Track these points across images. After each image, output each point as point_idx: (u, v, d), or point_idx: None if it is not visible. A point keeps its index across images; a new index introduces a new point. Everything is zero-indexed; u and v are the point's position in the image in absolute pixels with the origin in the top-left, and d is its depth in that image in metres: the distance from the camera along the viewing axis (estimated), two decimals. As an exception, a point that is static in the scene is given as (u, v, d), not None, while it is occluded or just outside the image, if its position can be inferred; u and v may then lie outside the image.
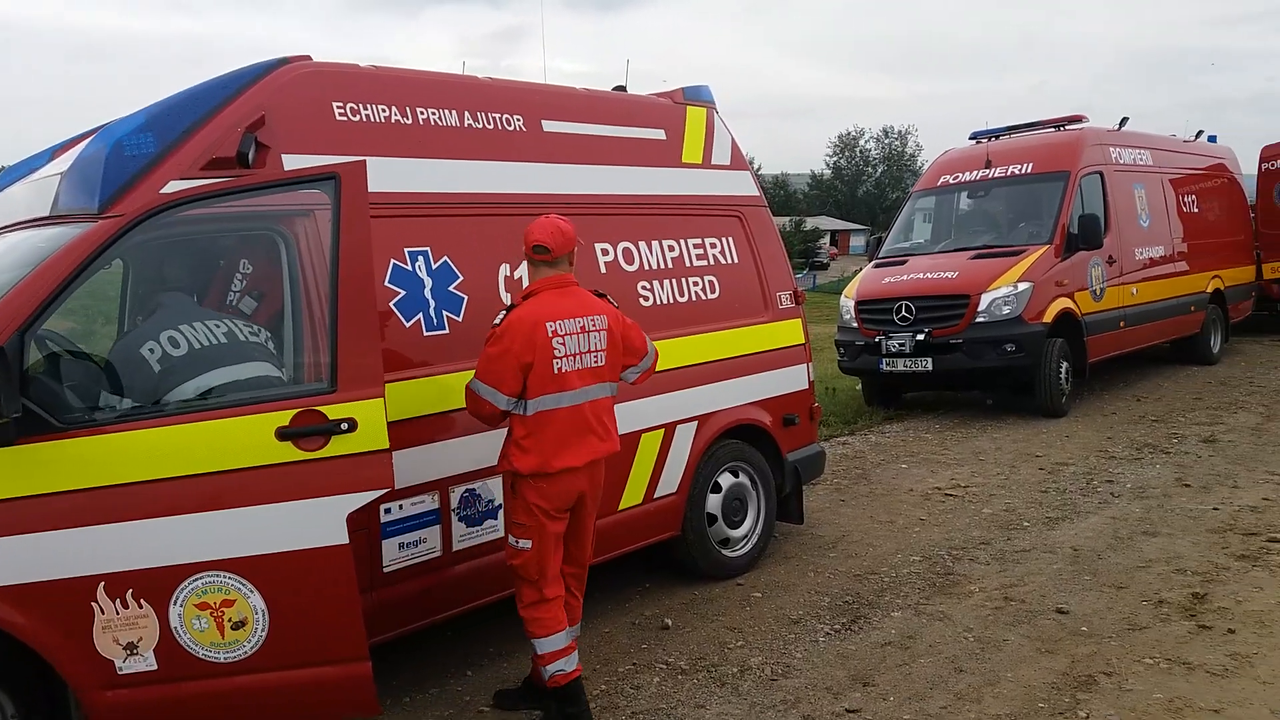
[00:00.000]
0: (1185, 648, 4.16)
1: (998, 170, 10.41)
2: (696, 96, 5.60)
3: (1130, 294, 10.47)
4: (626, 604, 5.04)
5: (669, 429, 4.90)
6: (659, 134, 5.25)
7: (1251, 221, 13.85)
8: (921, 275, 9.66)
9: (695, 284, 5.20)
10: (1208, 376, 11.34)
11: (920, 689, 3.92)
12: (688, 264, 5.19)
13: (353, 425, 3.14)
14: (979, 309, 9.09)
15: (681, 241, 5.19)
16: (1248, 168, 14.15)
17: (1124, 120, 11.16)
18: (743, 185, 5.67)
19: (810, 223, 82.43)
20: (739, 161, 5.70)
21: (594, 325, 3.67)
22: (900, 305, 9.48)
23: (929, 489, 7.01)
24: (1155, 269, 11.02)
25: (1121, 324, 10.32)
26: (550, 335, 3.55)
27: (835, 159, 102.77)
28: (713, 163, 5.52)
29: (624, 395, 4.58)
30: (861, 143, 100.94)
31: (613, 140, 4.98)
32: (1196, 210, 12.29)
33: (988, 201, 10.75)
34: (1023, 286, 9.09)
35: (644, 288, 4.92)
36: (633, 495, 4.76)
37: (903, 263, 10.22)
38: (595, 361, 3.67)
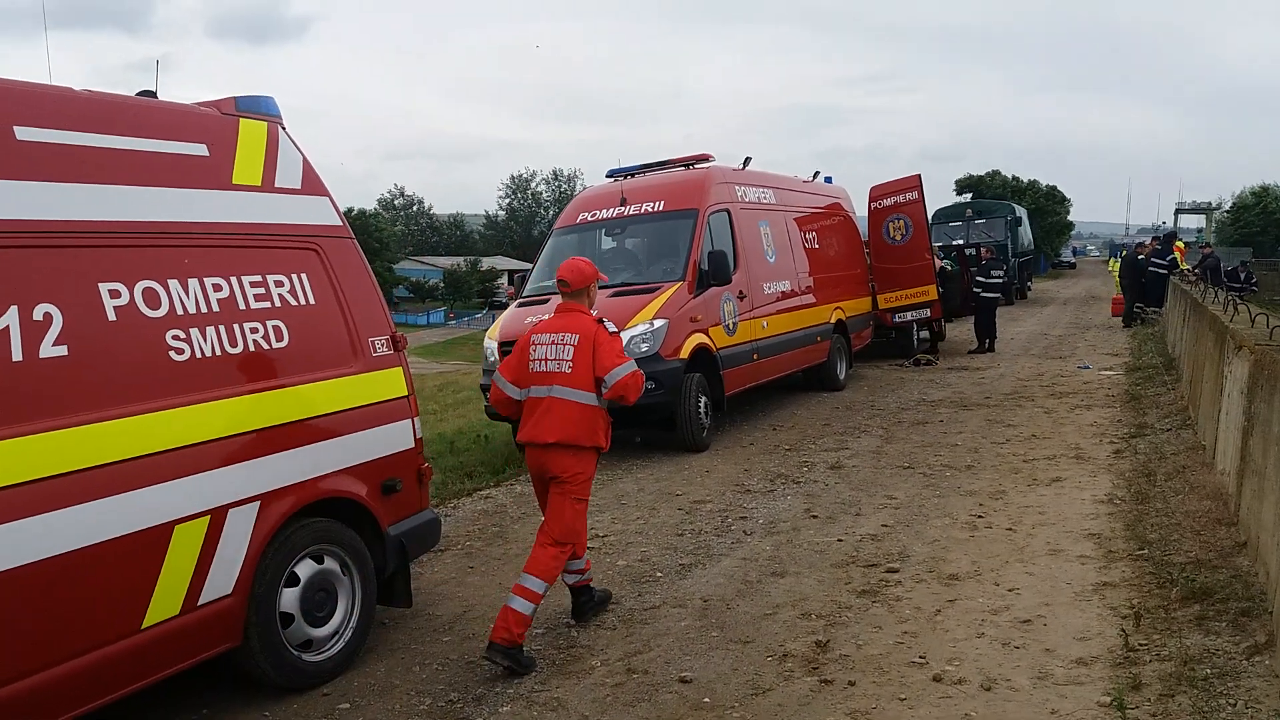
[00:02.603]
0: (806, 711, 3.84)
1: (632, 208, 10.33)
2: (255, 108, 4.68)
3: (761, 327, 10.79)
4: (166, 745, 3.95)
5: (217, 515, 3.90)
6: (198, 149, 4.27)
7: (866, 256, 15.10)
8: (562, 314, 9.26)
9: (254, 331, 4.26)
10: (836, 402, 12.00)
11: (518, 814, 3.25)
12: (243, 307, 4.23)
13: None
14: (619, 347, 8.82)
15: (233, 280, 4.23)
16: (862, 210, 15.47)
17: (747, 160, 11.59)
18: (319, 213, 4.81)
19: (486, 263, 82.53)
20: (314, 185, 4.84)
21: (564, 340, 4.67)
22: (541, 346, 9.00)
23: (566, 544, 6.48)
24: (783, 302, 11.49)
25: (755, 356, 10.59)
26: (531, 345, 4.76)
27: (508, 200, 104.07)
28: (277, 186, 4.62)
29: (140, 481, 3.58)
30: (533, 185, 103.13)
31: (127, 154, 3.93)
32: (818, 246, 13.08)
33: (624, 239, 10.65)
34: (659, 323, 8.96)
35: (176, 338, 3.90)
36: (163, 607, 3.70)
37: (545, 301, 9.80)
38: (560, 367, 4.64)
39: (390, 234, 76.26)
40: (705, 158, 11.10)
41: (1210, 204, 76.76)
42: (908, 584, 5.29)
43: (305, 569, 4.36)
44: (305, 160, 4.83)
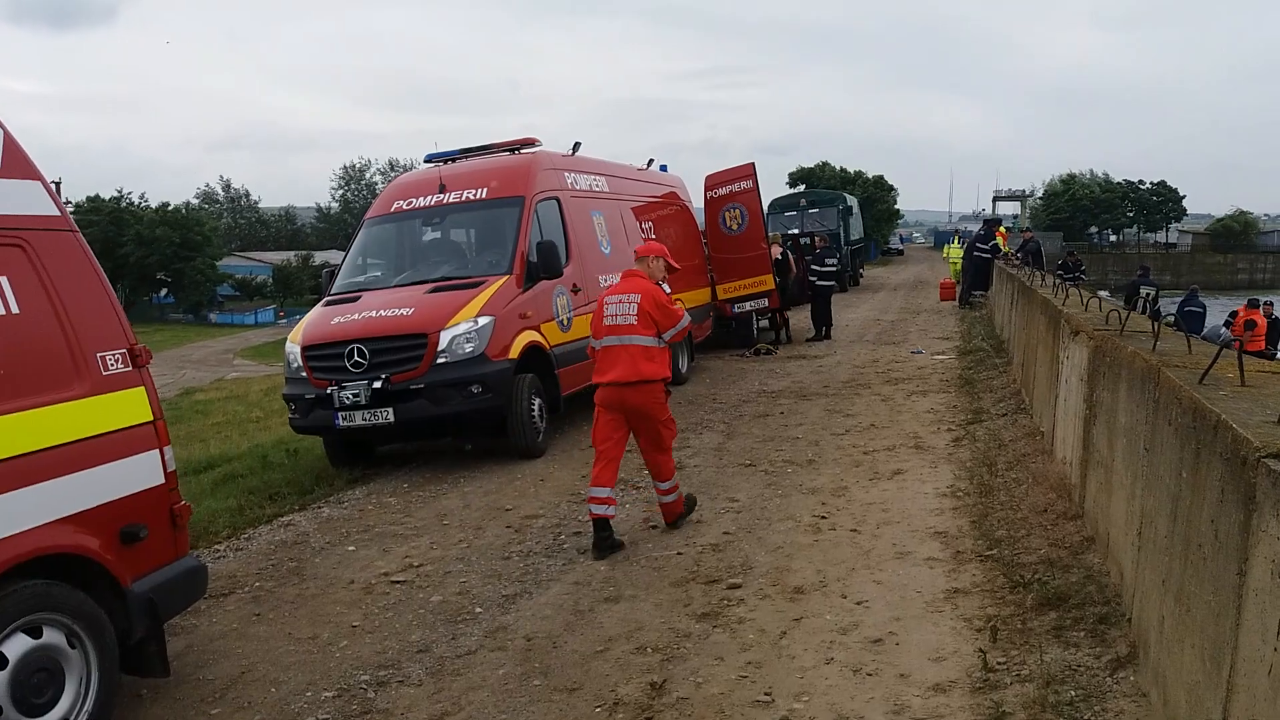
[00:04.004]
0: (637, 778, 3.28)
1: (452, 195, 9.54)
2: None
3: (599, 321, 10.22)
4: None
5: None
6: None
7: (704, 246, 14.79)
8: (374, 313, 8.40)
9: (-71, 351, 3.33)
10: (678, 396, 11.54)
11: None
12: (-90, 321, 3.30)
13: None
14: (439, 348, 8.06)
15: (-105, 286, 3.28)
16: (698, 200, 15.16)
17: (577, 145, 10.96)
18: (27, 201, 3.88)
19: (319, 257, 78.69)
20: (21, 167, 3.90)
21: (630, 299, 5.87)
22: (352, 349, 8.13)
23: (375, 577, 5.71)
24: (621, 295, 10.95)
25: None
26: (605, 304, 6.00)
27: (342, 191, 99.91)
28: (-33, 167, 3.68)
29: None
30: (368, 175, 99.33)
31: None
32: (654, 236, 12.62)
33: (445, 229, 9.86)
34: (483, 321, 8.24)
35: None
36: None
37: (356, 299, 8.90)
38: (628, 320, 5.83)
39: (212, 228, 71.77)
40: (531, 142, 10.42)
41: (1025, 191, 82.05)
42: (751, 601, 4.83)
43: (16, 646, 3.47)
44: (8, 137, 3.88)
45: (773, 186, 64.34)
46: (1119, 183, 75.78)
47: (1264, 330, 16.68)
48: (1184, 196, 76.19)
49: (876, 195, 58.97)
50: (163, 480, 4.11)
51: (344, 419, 8.13)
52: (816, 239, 19.10)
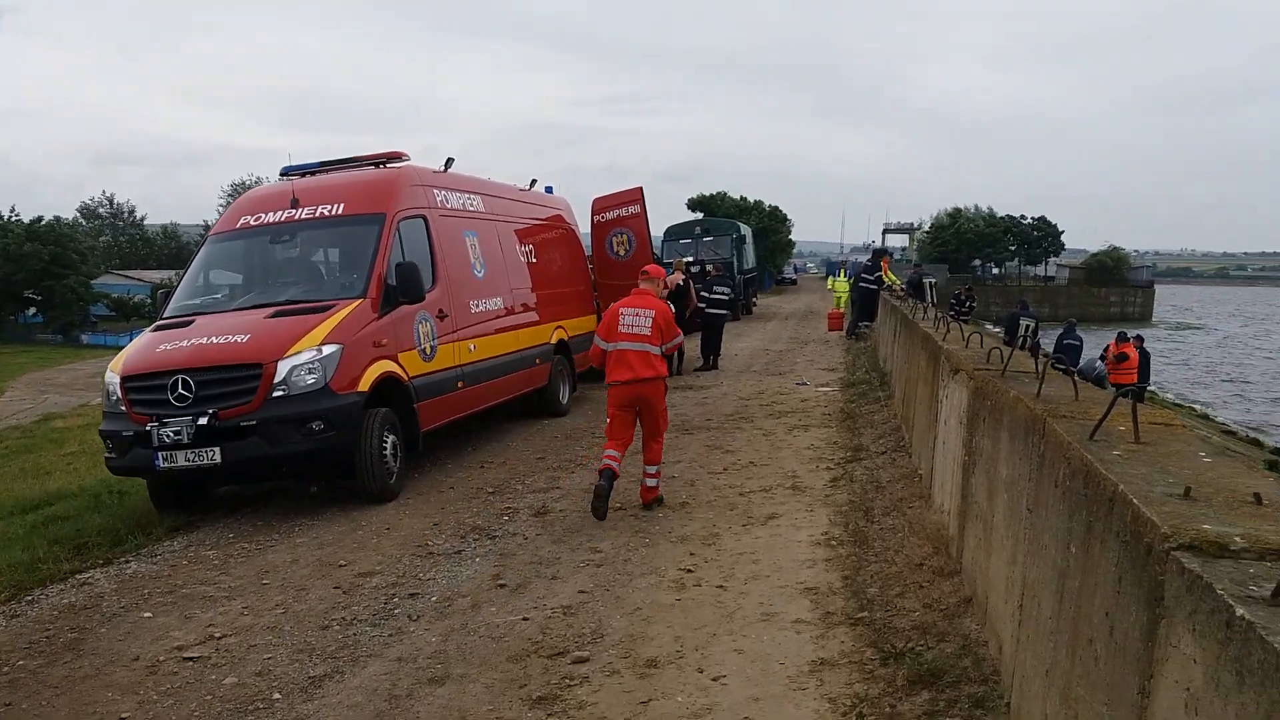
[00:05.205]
0: None
1: (305, 211, 8.73)
2: None
3: (468, 350, 9.54)
4: None
5: None
6: None
7: (590, 272, 14.23)
8: (205, 340, 7.52)
9: None
10: (556, 430, 10.97)
11: None
12: None
13: None
14: (276, 380, 7.24)
15: None
16: (588, 227, 14.64)
17: (449, 161, 10.28)
18: None
19: (203, 277, 75.23)
20: None
21: (644, 314, 7.06)
22: (176, 380, 7.24)
23: (165, 652, 4.87)
24: (495, 322, 10.31)
25: (460, 384, 9.31)
26: (620, 314, 7.12)
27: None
28: None
29: None
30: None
31: None
32: (536, 260, 12.01)
33: (294, 248, 9.01)
34: (329, 350, 7.45)
35: None
36: None
37: (189, 324, 8.00)
38: (643, 330, 7.02)
39: (89, 245, 67.98)
40: (398, 155, 9.68)
41: (913, 225, 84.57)
42: (596, 679, 4.23)
43: None
44: None
45: (673, 213, 64.54)
46: (1002, 217, 78.71)
47: (1135, 364, 17.01)
48: (1063, 232, 79.64)
49: (771, 226, 59.61)
50: None
51: (165, 459, 7.21)
52: (709, 267, 18.76)
